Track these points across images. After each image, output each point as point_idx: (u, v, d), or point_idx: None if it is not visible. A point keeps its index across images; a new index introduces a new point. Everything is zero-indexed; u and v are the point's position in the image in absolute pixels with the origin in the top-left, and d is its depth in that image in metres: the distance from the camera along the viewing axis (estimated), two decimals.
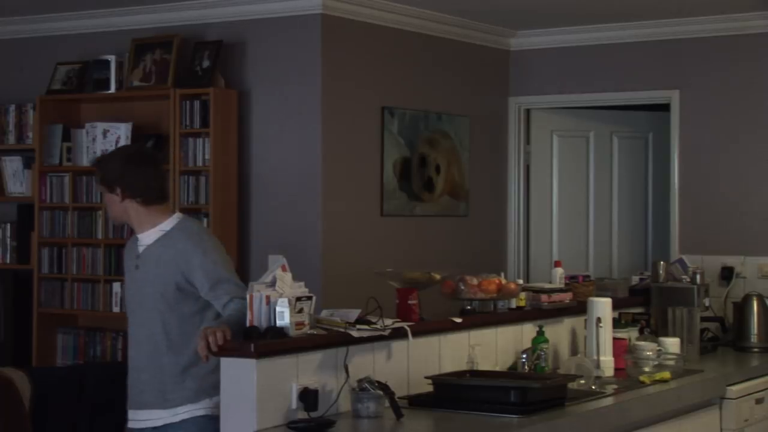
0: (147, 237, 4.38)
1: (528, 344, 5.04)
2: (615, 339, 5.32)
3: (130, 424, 4.41)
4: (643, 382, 4.98)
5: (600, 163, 8.10)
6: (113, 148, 6.95)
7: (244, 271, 6.73)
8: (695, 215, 7.31)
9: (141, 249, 4.38)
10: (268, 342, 3.89)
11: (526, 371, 4.89)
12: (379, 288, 4.56)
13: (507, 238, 7.95)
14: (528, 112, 8.01)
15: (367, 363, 4.25)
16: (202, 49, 6.80)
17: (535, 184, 8.04)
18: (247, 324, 3.96)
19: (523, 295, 5.21)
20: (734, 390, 5.37)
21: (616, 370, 5.21)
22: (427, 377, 4.40)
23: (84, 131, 7.08)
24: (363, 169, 6.89)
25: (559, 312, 5.37)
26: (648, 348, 5.30)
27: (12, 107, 7.40)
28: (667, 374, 5.09)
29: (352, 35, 6.81)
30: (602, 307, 5.28)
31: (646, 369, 5.16)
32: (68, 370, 6.12)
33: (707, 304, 6.26)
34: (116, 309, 6.95)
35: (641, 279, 6.53)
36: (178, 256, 4.29)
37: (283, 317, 3.95)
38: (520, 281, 5.49)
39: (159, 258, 4.32)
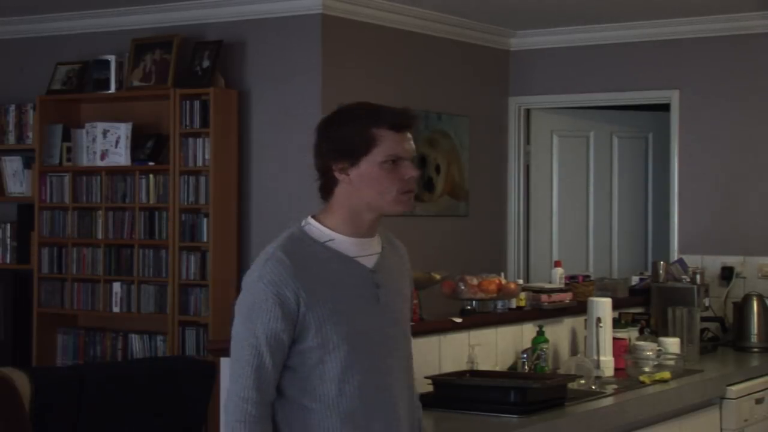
0: (374, 242, 3.11)
1: (528, 344, 5.03)
2: (615, 339, 5.31)
3: None
4: (643, 382, 4.97)
5: (600, 163, 8.10)
6: (113, 148, 6.97)
7: (245, 271, 6.72)
8: (695, 215, 7.31)
9: (374, 259, 3.04)
10: None
11: (526, 371, 4.88)
12: None
13: (507, 238, 7.95)
14: (528, 112, 8.00)
15: None
16: (202, 49, 6.80)
17: (535, 184, 8.03)
18: None
19: (523, 295, 5.21)
20: (734, 390, 5.36)
21: (616, 370, 5.20)
22: (427, 377, 4.38)
23: (84, 131, 7.08)
24: None
25: (559, 312, 5.36)
26: (648, 348, 5.30)
27: (12, 107, 7.40)
28: (667, 374, 5.09)
29: (352, 35, 6.81)
30: (602, 307, 5.28)
31: (646, 369, 5.15)
32: (68, 370, 6.12)
33: (707, 304, 6.27)
34: (116, 309, 6.95)
35: (641, 279, 6.53)
36: (405, 264, 3.23)
37: None
38: (520, 281, 5.49)
39: (395, 269, 3.12)
